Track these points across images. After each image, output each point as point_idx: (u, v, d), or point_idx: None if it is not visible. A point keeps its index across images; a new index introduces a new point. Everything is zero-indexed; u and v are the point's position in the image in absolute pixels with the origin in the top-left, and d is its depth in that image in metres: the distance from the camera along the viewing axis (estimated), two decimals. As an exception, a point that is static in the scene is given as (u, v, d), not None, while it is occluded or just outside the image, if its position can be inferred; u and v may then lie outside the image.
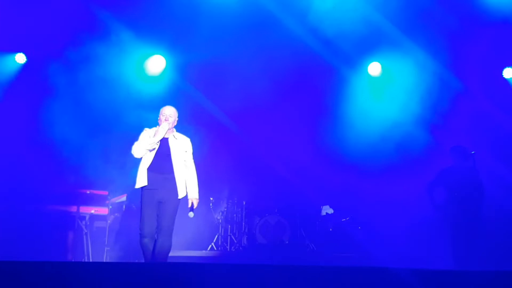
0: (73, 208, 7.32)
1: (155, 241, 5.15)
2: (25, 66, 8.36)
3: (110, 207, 7.49)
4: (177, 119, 5.48)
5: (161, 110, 5.44)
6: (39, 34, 7.95)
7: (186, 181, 5.33)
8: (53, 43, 8.03)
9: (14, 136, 7.97)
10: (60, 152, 7.89)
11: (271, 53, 8.13)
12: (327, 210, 8.03)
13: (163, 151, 5.27)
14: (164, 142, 5.31)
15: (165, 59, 8.45)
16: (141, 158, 5.23)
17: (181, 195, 5.23)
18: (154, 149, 5.24)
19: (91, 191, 7.44)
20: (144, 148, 5.19)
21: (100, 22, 7.77)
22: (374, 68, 8.72)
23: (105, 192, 7.49)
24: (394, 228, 7.70)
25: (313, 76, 8.62)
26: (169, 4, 7.69)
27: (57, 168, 7.75)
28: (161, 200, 5.17)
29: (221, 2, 7.72)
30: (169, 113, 5.39)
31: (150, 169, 5.19)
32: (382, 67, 8.70)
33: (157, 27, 8.01)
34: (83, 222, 7.38)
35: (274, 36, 7.98)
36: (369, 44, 8.30)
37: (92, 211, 7.39)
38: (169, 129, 5.31)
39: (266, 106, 8.63)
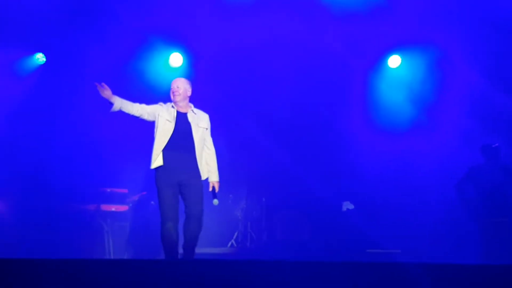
0: (94, 206, 7.38)
1: (184, 229, 4.75)
2: (45, 65, 8.43)
3: (130, 205, 7.52)
4: (189, 90, 5.00)
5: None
6: (59, 32, 8.00)
7: (207, 163, 4.91)
8: (72, 40, 8.08)
9: (34, 135, 8.04)
10: (81, 150, 7.94)
11: (293, 47, 8.08)
12: (347, 206, 7.94)
13: (182, 128, 4.80)
14: (183, 118, 4.86)
15: (182, 56, 8.47)
16: (156, 135, 4.79)
17: (203, 176, 4.83)
18: (170, 124, 4.79)
19: (112, 189, 7.49)
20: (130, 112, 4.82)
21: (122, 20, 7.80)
22: (394, 61, 8.61)
23: (125, 190, 7.54)
24: (419, 223, 7.62)
25: (332, 70, 8.55)
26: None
27: (78, 167, 7.80)
28: (183, 182, 4.71)
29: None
30: (176, 85, 4.95)
31: (167, 148, 4.71)
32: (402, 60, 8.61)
33: (175, 26, 8.03)
34: (104, 220, 7.43)
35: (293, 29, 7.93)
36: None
37: (113, 209, 7.44)
38: (178, 101, 4.88)
39: (283, 99, 8.60)
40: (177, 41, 8.29)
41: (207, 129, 4.97)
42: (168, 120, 4.81)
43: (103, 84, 4.75)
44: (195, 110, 5.00)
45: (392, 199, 8.03)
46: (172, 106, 4.93)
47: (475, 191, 6.30)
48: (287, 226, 7.65)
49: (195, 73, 8.17)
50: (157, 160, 4.71)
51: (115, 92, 4.86)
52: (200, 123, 4.91)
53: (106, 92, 4.73)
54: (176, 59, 8.42)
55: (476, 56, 7.98)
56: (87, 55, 7.98)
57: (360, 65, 8.56)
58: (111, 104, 4.76)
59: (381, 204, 8.04)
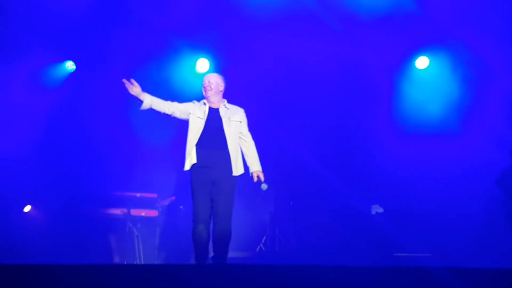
0: (124, 211, 7.49)
1: (213, 228, 4.60)
2: (74, 73, 8.60)
3: (160, 209, 7.60)
4: (222, 85, 4.84)
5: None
6: (88, 40, 8.17)
7: (246, 155, 4.76)
8: (102, 49, 8.23)
9: (65, 140, 8.21)
10: (111, 155, 8.06)
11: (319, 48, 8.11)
12: (377, 209, 7.86)
13: (213, 124, 4.65)
14: (214, 114, 4.71)
15: (209, 61, 8.56)
16: (188, 134, 4.67)
17: (236, 172, 4.62)
18: (201, 121, 4.66)
19: (142, 194, 7.58)
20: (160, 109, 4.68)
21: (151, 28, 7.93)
22: (422, 62, 8.52)
23: (155, 195, 7.62)
24: (449, 226, 7.51)
25: (360, 74, 8.52)
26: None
27: (109, 172, 7.93)
28: (215, 180, 4.56)
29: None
30: (207, 80, 4.80)
31: (199, 145, 4.58)
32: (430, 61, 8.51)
33: (202, 32, 8.11)
34: (135, 225, 7.52)
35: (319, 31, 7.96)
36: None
37: (143, 214, 7.53)
38: (210, 96, 4.74)
39: (311, 103, 8.61)
40: (204, 46, 8.37)
41: (241, 122, 4.77)
42: (199, 117, 4.68)
43: (132, 80, 4.65)
44: (228, 105, 4.83)
45: (422, 202, 7.92)
46: (204, 103, 4.80)
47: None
48: (315, 230, 7.62)
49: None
50: (189, 159, 4.59)
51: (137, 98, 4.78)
52: (233, 117, 4.72)
53: (135, 89, 4.62)
54: (203, 64, 8.49)
55: (506, 55, 7.84)
56: (115, 62, 8.11)
57: (387, 68, 8.51)
58: (141, 102, 4.64)
59: (410, 207, 7.93)
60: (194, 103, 4.81)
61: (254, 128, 7.55)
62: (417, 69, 8.56)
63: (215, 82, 4.79)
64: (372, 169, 8.40)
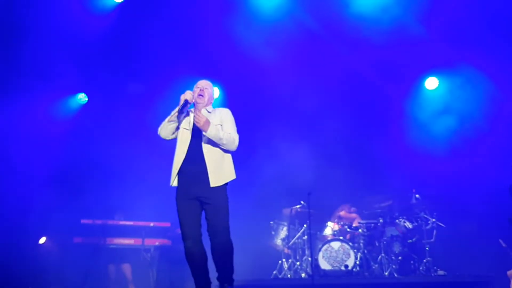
0: (138, 241, 7.52)
1: (211, 243, 4.32)
2: (87, 105, 8.76)
3: (172, 238, 7.61)
4: (213, 97, 4.66)
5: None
6: (99, 73, 8.35)
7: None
8: (112, 80, 8.39)
9: (78, 170, 8.31)
10: (124, 185, 8.13)
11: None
12: (392, 232, 7.77)
13: (200, 134, 4.34)
14: (196, 127, 4.35)
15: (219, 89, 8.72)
16: (176, 148, 4.41)
17: (214, 183, 4.27)
18: (188, 132, 4.40)
19: (155, 223, 7.62)
20: (165, 123, 4.43)
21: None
22: (431, 83, 8.63)
23: (168, 224, 7.64)
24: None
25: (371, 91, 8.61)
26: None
27: (120, 202, 7.99)
28: (198, 195, 4.29)
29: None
30: (203, 85, 4.56)
31: (185, 161, 4.32)
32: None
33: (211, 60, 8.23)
34: (148, 254, 7.54)
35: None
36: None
37: (156, 243, 7.55)
38: (200, 103, 4.46)
39: (317, 125, 8.67)
40: (213, 74, 8.48)
41: (221, 125, 4.43)
42: (185, 128, 4.46)
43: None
44: (210, 108, 4.59)
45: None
46: (188, 113, 4.56)
47: None
48: (329, 255, 7.53)
49: (232, 105, 8.30)
50: (173, 176, 4.39)
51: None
52: (212, 121, 4.37)
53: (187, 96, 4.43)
54: (216, 93, 8.63)
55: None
56: (125, 94, 8.27)
57: (398, 89, 8.61)
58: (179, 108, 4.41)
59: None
60: None
61: (255, 160, 7.56)
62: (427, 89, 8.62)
63: (209, 93, 4.62)
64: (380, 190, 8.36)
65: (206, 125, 4.25)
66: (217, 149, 4.38)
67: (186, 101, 4.39)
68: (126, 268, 7.68)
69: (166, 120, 4.44)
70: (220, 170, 4.35)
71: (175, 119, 4.42)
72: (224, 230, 4.30)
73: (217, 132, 4.30)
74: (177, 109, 4.39)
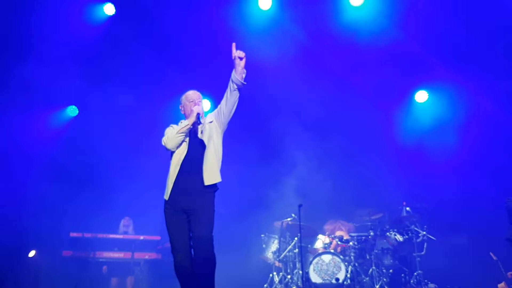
0: (128, 255, 7.45)
1: (194, 255, 4.29)
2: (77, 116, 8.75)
3: (162, 252, 7.57)
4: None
5: (184, 96, 4.66)
6: (90, 87, 8.35)
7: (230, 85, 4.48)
8: (103, 94, 8.39)
9: (68, 183, 8.28)
10: (117, 197, 8.09)
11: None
12: (382, 244, 7.76)
13: (192, 146, 4.44)
14: (196, 130, 4.48)
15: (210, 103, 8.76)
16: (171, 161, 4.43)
17: (208, 181, 4.33)
18: (184, 144, 4.44)
19: (145, 236, 7.57)
20: (174, 135, 4.40)
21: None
22: (421, 96, 8.74)
23: (158, 237, 7.59)
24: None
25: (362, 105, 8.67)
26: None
27: (112, 215, 7.95)
28: (186, 209, 4.34)
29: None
30: (196, 97, 4.61)
31: (179, 173, 4.38)
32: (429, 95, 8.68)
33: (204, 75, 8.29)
34: (138, 268, 7.48)
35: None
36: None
37: (146, 257, 7.49)
38: (199, 113, 4.45)
39: (316, 136, 8.72)
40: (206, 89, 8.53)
41: (212, 122, 4.56)
42: (183, 140, 4.50)
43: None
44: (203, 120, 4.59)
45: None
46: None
47: None
48: (320, 268, 7.50)
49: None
50: (169, 189, 4.41)
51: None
52: (210, 133, 4.50)
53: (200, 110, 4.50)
54: (207, 106, 8.66)
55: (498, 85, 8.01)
56: (117, 108, 8.28)
57: (389, 103, 8.70)
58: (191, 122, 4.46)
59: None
60: (172, 127, 4.61)
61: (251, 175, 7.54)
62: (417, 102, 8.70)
63: (202, 104, 4.70)
64: (372, 201, 8.37)
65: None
66: (213, 156, 4.44)
67: (198, 115, 4.46)
68: (129, 281, 7.61)
69: (175, 132, 4.43)
70: (214, 172, 4.38)
71: (187, 131, 4.45)
72: (207, 242, 4.27)
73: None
74: (190, 122, 4.44)
